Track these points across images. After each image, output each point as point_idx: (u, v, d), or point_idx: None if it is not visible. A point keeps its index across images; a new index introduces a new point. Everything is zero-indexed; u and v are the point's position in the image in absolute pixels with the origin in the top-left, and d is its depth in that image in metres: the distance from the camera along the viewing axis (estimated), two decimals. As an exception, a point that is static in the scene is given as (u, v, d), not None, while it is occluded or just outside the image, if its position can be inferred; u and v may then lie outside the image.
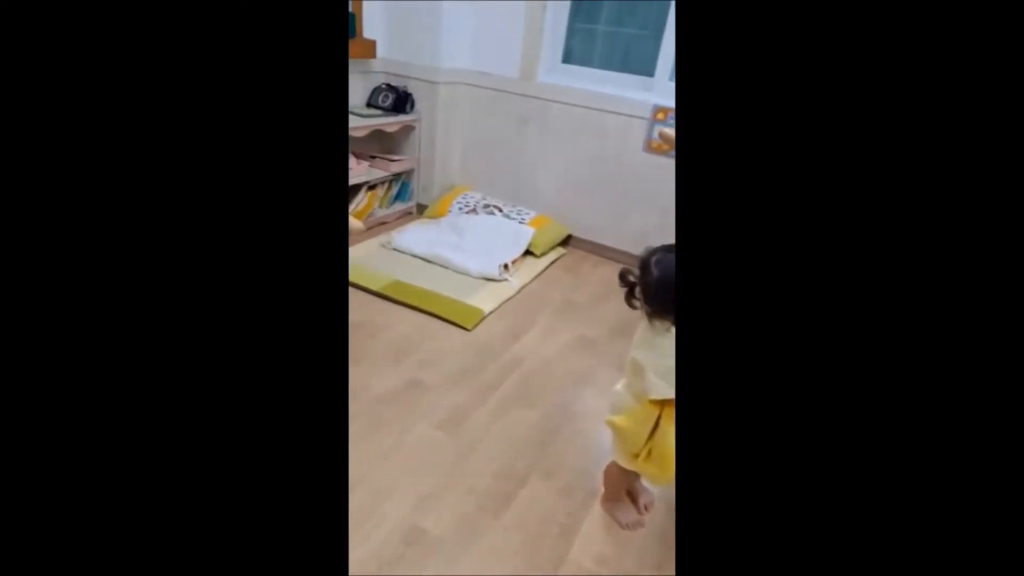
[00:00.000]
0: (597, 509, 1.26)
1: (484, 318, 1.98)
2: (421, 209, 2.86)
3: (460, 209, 2.68)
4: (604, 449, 1.40)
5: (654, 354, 1.02)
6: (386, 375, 1.62)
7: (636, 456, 1.11)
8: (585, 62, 2.52)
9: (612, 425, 1.11)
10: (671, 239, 2.63)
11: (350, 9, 2.36)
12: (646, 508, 1.27)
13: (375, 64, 2.66)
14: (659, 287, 1.01)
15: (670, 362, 0.99)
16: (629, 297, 1.09)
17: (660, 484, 1.23)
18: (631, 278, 1.10)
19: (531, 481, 1.31)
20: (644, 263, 1.05)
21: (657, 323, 1.04)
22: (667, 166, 2.31)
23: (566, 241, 2.68)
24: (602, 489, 1.29)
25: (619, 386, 1.16)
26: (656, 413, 1.05)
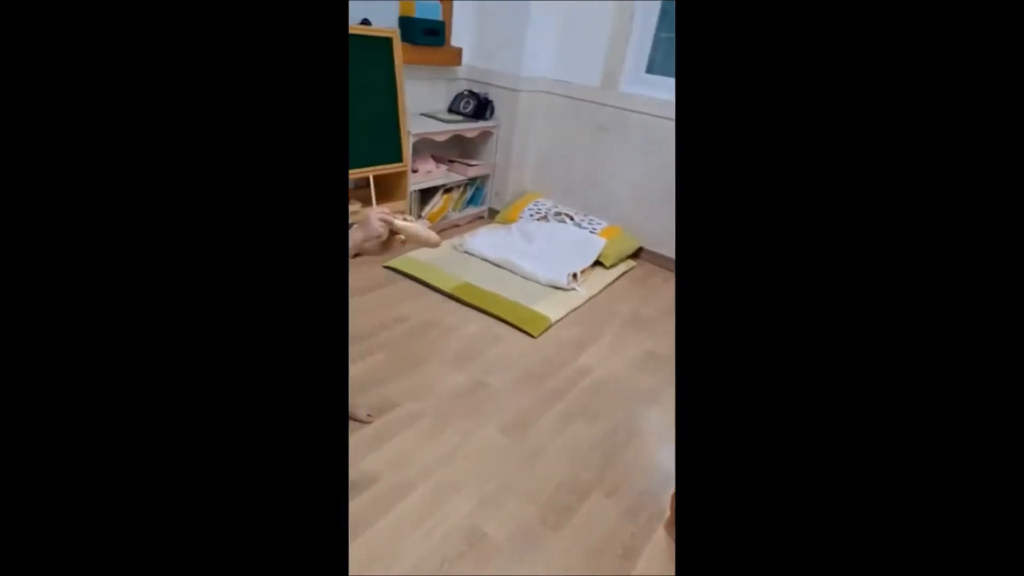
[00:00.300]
0: (661, 533, 1.22)
1: (551, 326, 1.97)
2: (493, 214, 2.90)
3: (531, 215, 2.69)
4: (670, 471, 1.36)
5: None
6: (453, 375, 1.65)
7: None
8: (668, 72, 2.47)
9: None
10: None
11: (440, 17, 2.45)
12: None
13: (459, 71, 2.73)
14: None
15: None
16: None
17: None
18: None
19: (594, 496, 1.29)
20: None
21: None
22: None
23: (636, 253, 2.63)
24: (668, 513, 1.24)
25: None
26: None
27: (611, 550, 1.16)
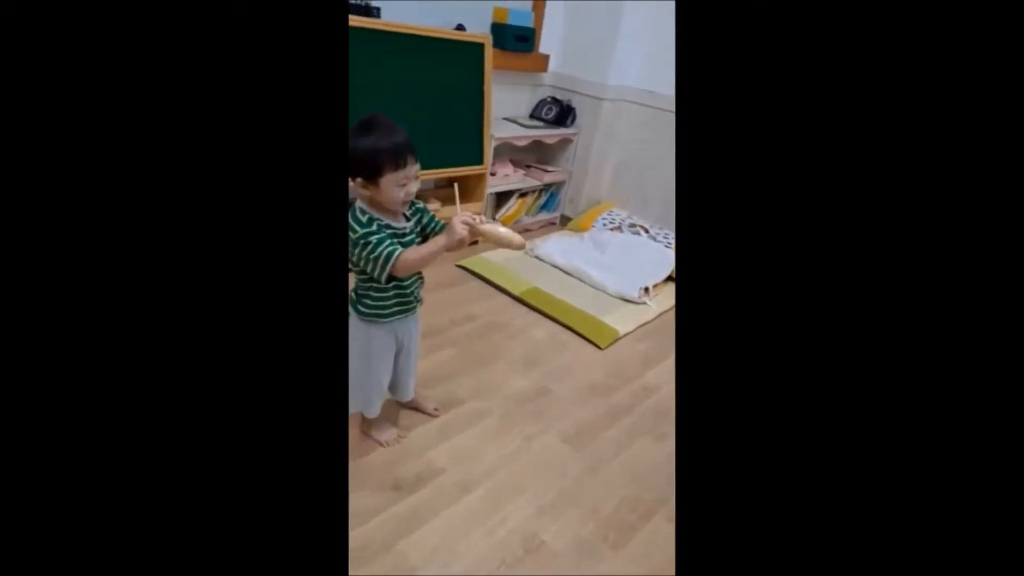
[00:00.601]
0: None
1: (619, 339, 1.94)
2: (565, 221, 2.90)
3: (604, 225, 2.66)
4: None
5: None
6: (519, 378, 1.65)
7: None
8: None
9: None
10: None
11: (532, 24, 2.48)
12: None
13: (545, 78, 2.75)
14: None
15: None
16: None
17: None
18: None
19: (657, 518, 1.25)
20: None
21: None
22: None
23: (712, 272, 2.53)
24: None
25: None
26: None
27: (672, 577, 1.12)
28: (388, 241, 1.02)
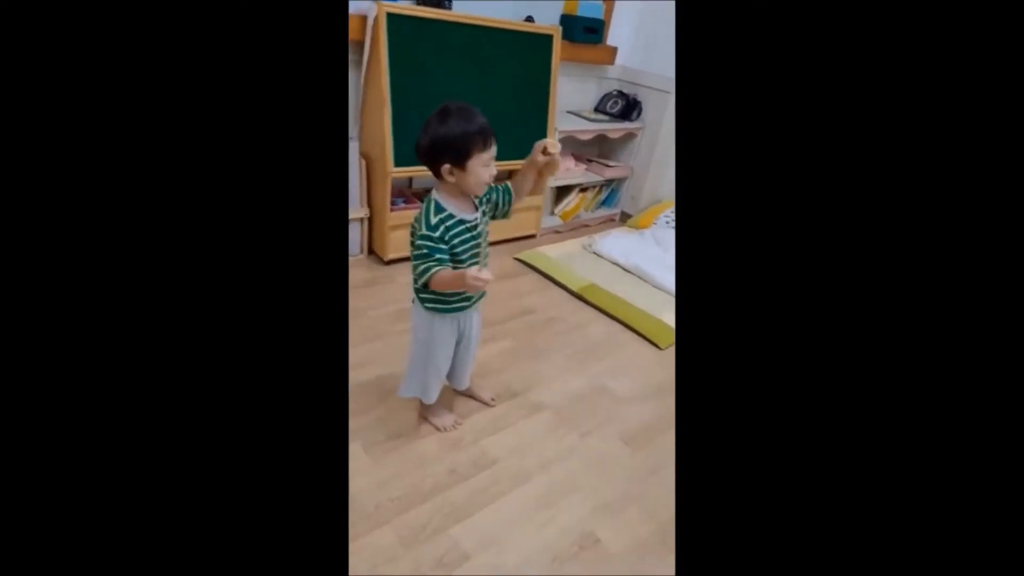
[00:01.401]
0: None
1: (680, 340, 1.87)
2: (624, 218, 2.83)
3: (667, 223, 2.58)
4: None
5: None
6: (575, 374, 1.63)
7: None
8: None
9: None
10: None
11: (601, 16, 2.43)
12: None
13: (611, 71, 2.70)
14: None
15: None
16: None
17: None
18: None
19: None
20: None
21: None
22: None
23: (781, 276, 2.40)
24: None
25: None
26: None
27: None
28: (437, 256, 1.02)
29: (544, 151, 1.08)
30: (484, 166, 1.03)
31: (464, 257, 1.08)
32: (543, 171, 1.13)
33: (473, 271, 0.95)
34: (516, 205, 1.18)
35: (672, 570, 1.08)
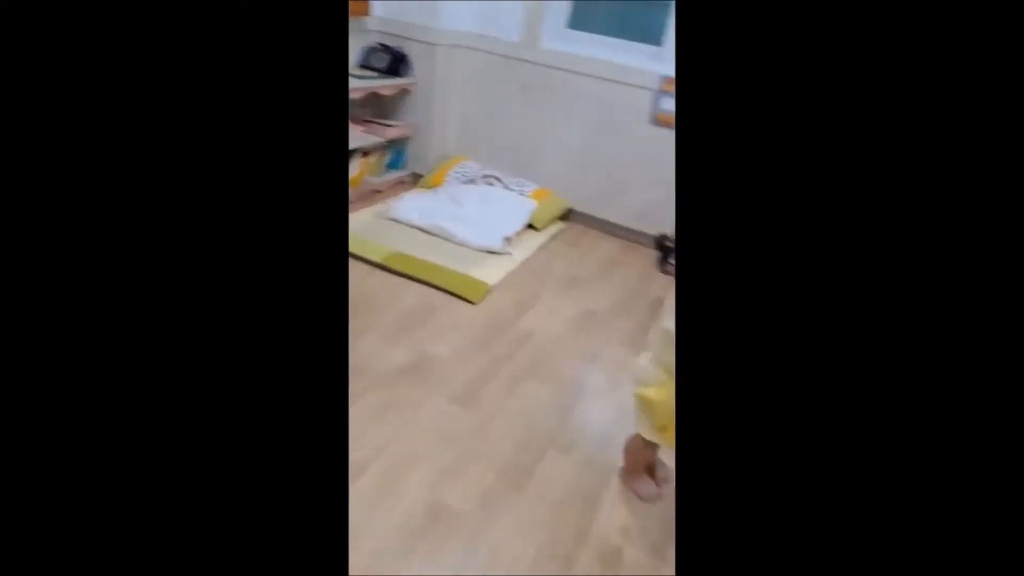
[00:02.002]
0: (616, 483, 1.26)
1: (490, 291, 1.94)
2: (416, 178, 2.77)
3: (458, 179, 2.60)
4: (618, 424, 1.40)
5: None
6: (396, 349, 1.57)
7: (664, 428, 1.11)
8: (591, 28, 2.44)
9: (642, 398, 1.11)
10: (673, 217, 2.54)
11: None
12: (665, 481, 1.28)
13: (369, 23, 2.52)
14: None
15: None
16: (663, 263, 1.07)
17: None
18: (667, 243, 1.07)
19: (550, 455, 1.31)
20: None
21: None
22: (673, 140, 2.28)
23: (566, 215, 2.64)
24: (622, 462, 1.29)
25: (643, 359, 1.15)
26: (689, 387, 1.04)
27: (572, 504, 1.19)
28: None
29: None
30: None
31: None
32: None
33: None
34: None
35: (519, 508, 1.15)
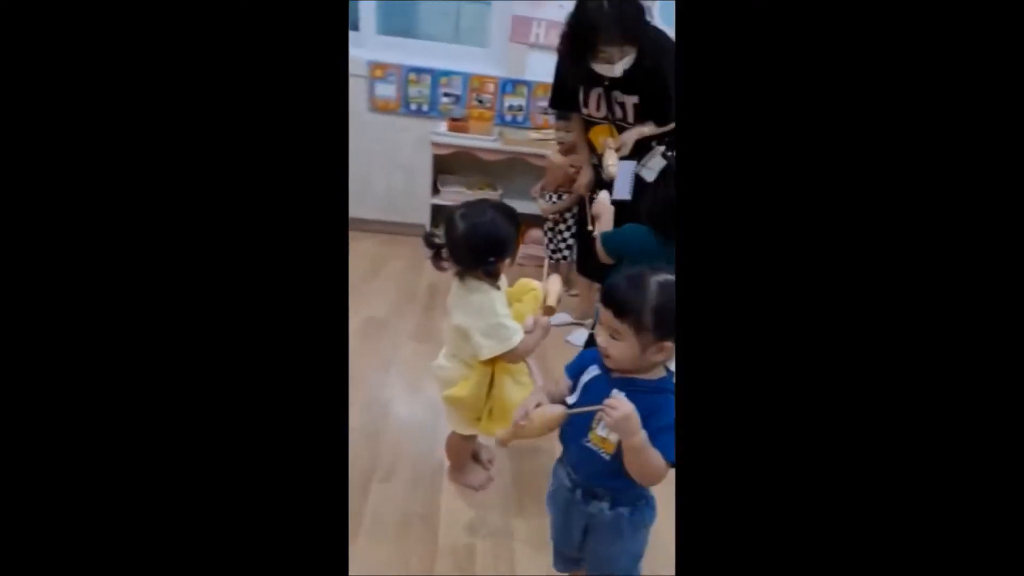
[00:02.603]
0: (447, 484, 1.26)
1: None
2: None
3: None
4: (433, 428, 1.39)
5: (474, 314, 1.03)
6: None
7: (478, 419, 1.13)
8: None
9: (451, 399, 1.10)
10: (424, 198, 2.64)
11: None
12: (490, 463, 1.33)
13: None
14: (466, 242, 1.00)
15: (493, 319, 1.01)
16: (436, 260, 1.06)
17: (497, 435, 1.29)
18: (436, 240, 1.06)
19: (373, 487, 1.22)
20: (449, 220, 1.03)
21: (469, 281, 1.04)
22: (397, 123, 2.27)
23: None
24: (447, 463, 1.28)
25: (441, 359, 1.14)
26: (490, 372, 1.08)
27: (411, 527, 1.15)
28: None
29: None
30: None
31: None
32: None
33: None
34: None
35: (366, 546, 1.05)
